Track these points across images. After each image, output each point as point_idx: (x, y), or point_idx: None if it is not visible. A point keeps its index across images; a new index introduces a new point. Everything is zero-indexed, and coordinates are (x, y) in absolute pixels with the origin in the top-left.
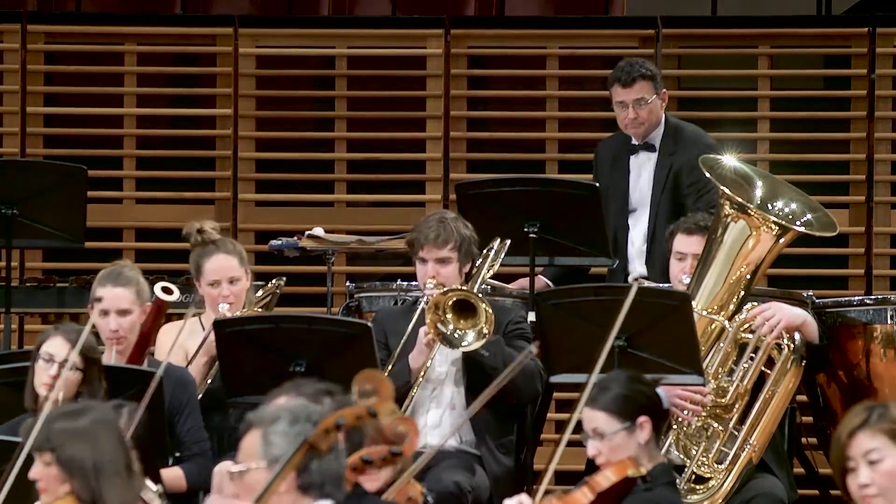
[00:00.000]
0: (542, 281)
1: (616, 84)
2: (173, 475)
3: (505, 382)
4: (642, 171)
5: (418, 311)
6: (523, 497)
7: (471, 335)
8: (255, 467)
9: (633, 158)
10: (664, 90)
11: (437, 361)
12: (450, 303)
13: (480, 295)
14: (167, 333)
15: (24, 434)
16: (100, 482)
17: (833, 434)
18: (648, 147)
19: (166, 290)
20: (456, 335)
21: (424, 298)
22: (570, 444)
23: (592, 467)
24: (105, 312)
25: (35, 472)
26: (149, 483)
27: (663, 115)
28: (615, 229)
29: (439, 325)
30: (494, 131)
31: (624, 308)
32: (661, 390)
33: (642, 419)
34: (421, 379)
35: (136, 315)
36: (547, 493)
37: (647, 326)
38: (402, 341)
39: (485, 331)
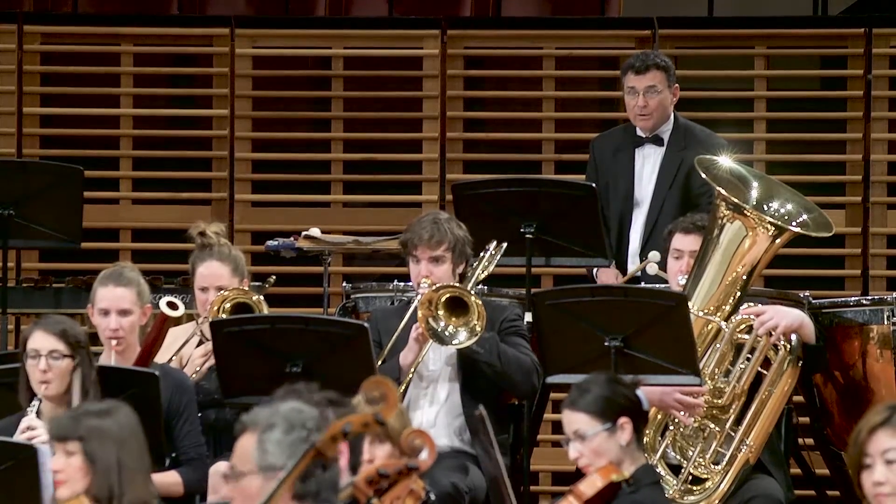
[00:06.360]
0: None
1: (630, 71)
2: (171, 480)
3: None
4: (646, 165)
5: (410, 310)
6: None
7: (462, 333)
8: (249, 472)
9: (638, 151)
10: (677, 86)
11: (432, 359)
12: (442, 300)
13: (473, 293)
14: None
15: (51, 426)
16: (121, 481)
17: (853, 429)
18: (656, 140)
19: (171, 306)
20: (447, 332)
21: (418, 298)
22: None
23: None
24: (105, 312)
25: (56, 464)
26: None
27: (672, 111)
28: (620, 223)
29: (431, 321)
30: (491, 132)
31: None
32: (640, 392)
33: (623, 420)
34: (411, 376)
35: (137, 316)
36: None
37: (644, 327)
38: (394, 338)
39: (477, 329)
